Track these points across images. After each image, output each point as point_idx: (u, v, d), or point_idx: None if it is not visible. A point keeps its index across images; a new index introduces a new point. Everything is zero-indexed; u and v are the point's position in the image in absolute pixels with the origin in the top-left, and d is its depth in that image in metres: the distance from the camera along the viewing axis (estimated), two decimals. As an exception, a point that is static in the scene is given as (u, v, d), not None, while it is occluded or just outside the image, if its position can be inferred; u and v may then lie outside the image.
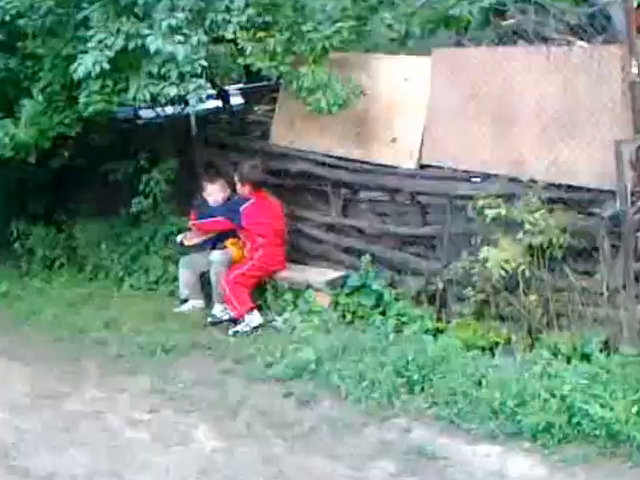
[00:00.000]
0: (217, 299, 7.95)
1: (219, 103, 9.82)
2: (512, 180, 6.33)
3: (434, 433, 5.55)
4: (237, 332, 7.44)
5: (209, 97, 9.45)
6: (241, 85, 11.48)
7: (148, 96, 7.41)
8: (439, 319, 6.91)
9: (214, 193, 8.29)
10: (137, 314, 8.13)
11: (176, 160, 9.08)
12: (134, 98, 7.52)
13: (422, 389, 5.93)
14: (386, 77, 7.25)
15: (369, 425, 5.74)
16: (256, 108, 7.76)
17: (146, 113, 10.45)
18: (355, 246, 7.73)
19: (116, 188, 9.90)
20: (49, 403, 6.50)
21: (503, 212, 6.15)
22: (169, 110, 9.75)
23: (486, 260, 6.19)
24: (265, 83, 10.54)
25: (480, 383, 5.76)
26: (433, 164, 6.98)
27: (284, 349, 6.88)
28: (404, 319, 6.95)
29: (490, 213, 6.20)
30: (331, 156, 7.69)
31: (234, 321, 7.71)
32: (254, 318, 7.49)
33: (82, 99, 7.65)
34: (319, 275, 7.69)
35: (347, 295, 7.44)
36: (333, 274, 7.65)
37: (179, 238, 8.46)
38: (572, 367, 5.73)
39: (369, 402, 5.93)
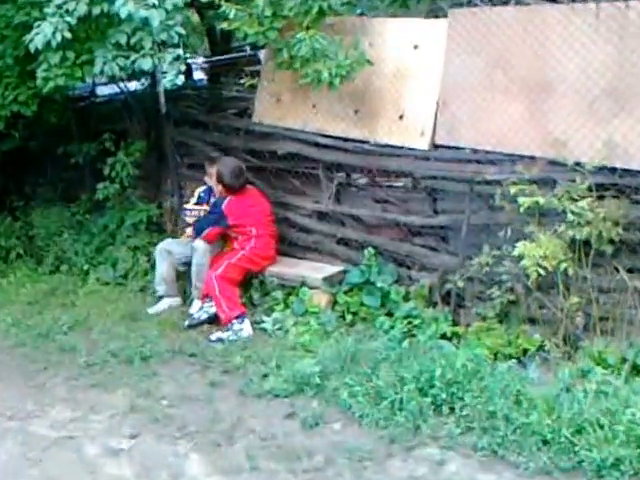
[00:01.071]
0: (195, 294, 6.72)
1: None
2: (550, 163, 5.16)
3: (474, 467, 4.40)
4: (221, 340, 6.16)
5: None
6: (203, 58, 10.20)
7: (117, 70, 6.13)
8: (455, 322, 5.75)
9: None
10: (107, 314, 6.87)
11: (144, 141, 7.75)
12: (101, 72, 6.23)
13: (451, 410, 4.77)
14: (392, 44, 6.01)
15: (394, 456, 4.57)
16: (243, 81, 6.39)
17: (103, 90, 9.14)
18: (352, 237, 6.51)
19: (76, 172, 8.62)
20: (13, 426, 5.23)
21: (542, 200, 4.99)
22: (131, 86, 8.46)
23: (521, 257, 5.04)
24: (234, 55, 9.36)
25: (519, 402, 4.64)
26: (450, 145, 5.75)
27: (280, 357, 5.69)
28: (416, 322, 5.79)
29: (525, 201, 5.03)
30: (325, 135, 6.43)
31: (215, 321, 6.50)
32: (244, 328, 6.23)
33: (40, 74, 6.39)
34: (314, 270, 6.47)
35: (346, 293, 6.25)
36: (330, 269, 6.44)
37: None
38: (628, 383, 4.65)
39: (390, 426, 4.75)
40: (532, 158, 5.20)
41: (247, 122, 7.02)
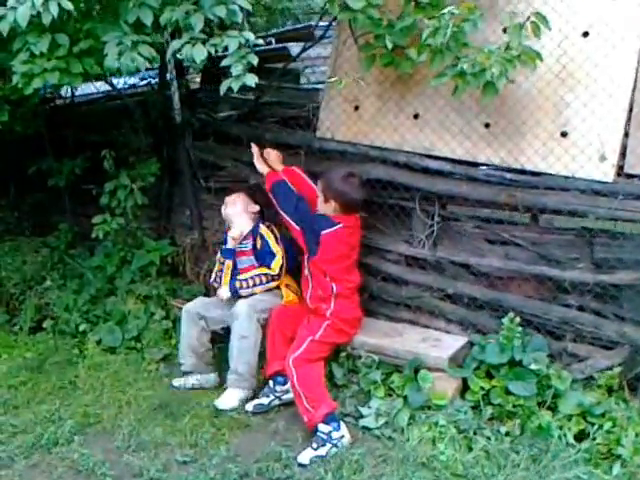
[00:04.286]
0: (233, 382, 4.35)
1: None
2: None
3: None
4: (320, 458, 3.78)
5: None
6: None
7: (143, 63, 3.71)
8: (650, 421, 3.65)
9: (233, 214, 4.71)
10: (127, 403, 4.42)
11: (155, 159, 5.27)
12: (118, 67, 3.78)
13: None
14: (549, 30, 3.70)
15: None
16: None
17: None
18: (467, 293, 4.29)
19: (49, 193, 6.09)
20: None
21: None
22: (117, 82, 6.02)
23: None
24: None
25: None
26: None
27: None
28: (603, 423, 3.63)
29: None
30: (434, 157, 4.16)
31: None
32: (345, 434, 3.89)
33: (19, 67, 3.89)
34: (429, 344, 4.20)
35: (477, 374, 4.02)
36: (451, 342, 4.20)
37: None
38: None
39: None
40: None
41: (308, 137, 4.66)
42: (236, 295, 4.52)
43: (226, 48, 3.64)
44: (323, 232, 4.08)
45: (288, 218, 4.20)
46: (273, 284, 4.52)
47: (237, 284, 4.51)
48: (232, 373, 4.36)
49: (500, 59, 3.34)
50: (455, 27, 3.37)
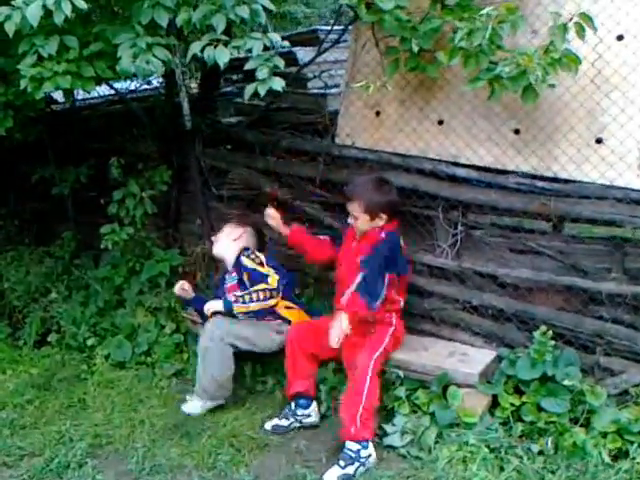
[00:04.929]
0: (205, 397, 4.18)
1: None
2: None
3: None
4: (343, 477, 3.57)
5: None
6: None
7: (160, 66, 3.54)
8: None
9: (220, 252, 4.58)
10: (140, 422, 4.20)
11: (165, 167, 5.06)
12: (136, 70, 3.60)
13: None
14: (594, 32, 3.50)
15: None
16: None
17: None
18: (492, 304, 4.10)
19: (51, 201, 5.88)
20: None
21: None
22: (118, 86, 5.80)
23: None
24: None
25: None
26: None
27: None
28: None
29: None
30: (464, 165, 3.98)
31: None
32: (371, 455, 3.69)
33: (26, 70, 3.68)
34: (457, 359, 4.00)
35: (505, 389, 3.84)
36: (479, 357, 4.00)
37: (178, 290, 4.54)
38: None
39: None
40: None
41: (326, 144, 4.46)
42: (230, 311, 4.18)
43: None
44: (401, 243, 3.99)
45: (391, 275, 3.88)
46: (272, 301, 4.20)
47: (232, 298, 4.20)
48: (198, 386, 4.17)
49: (542, 62, 3.16)
50: (492, 29, 3.19)
